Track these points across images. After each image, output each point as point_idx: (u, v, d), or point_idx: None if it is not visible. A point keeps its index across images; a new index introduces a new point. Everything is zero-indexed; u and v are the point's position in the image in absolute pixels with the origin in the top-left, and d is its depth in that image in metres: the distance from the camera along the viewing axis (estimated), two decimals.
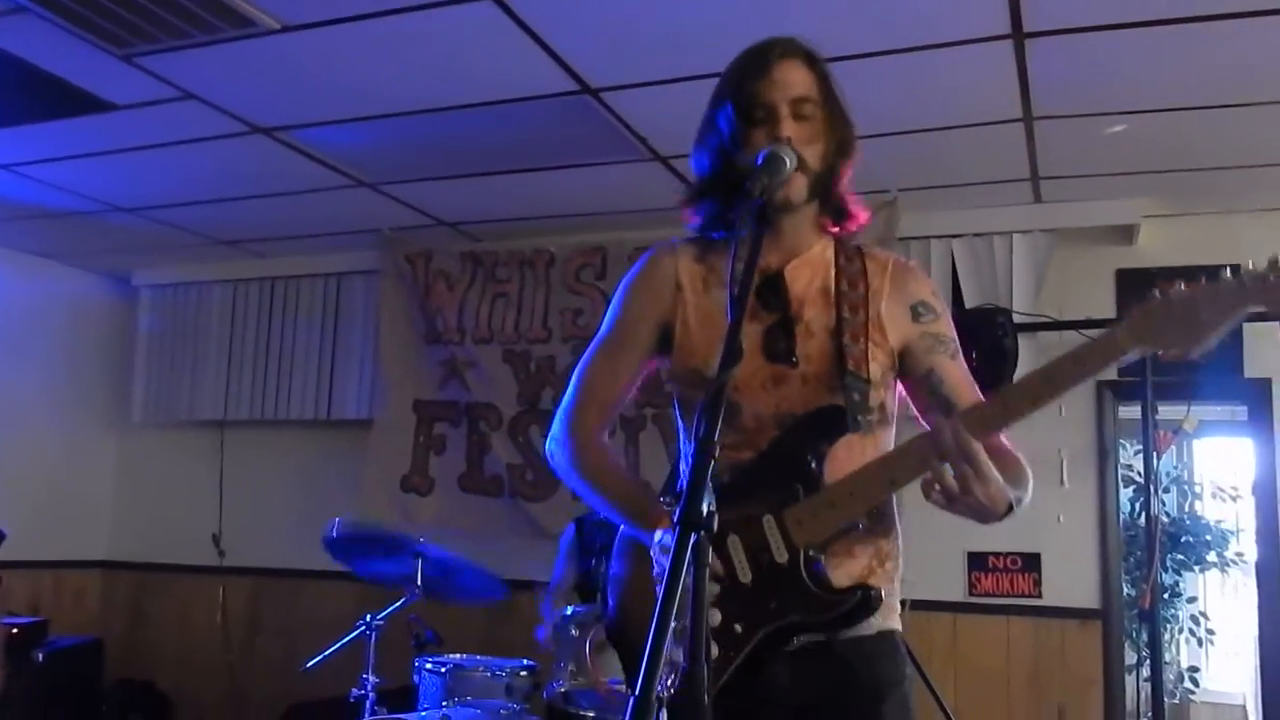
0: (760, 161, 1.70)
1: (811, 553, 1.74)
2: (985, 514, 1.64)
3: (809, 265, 1.90)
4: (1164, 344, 1.62)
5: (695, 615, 1.21)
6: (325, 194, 4.77)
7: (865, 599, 1.72)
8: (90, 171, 4.57)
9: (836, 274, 1.90)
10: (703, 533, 1.23)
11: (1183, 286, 1.62)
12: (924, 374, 1.87)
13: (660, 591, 1.20)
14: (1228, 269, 1.61)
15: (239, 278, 5.99)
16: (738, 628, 1.73)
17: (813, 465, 1.78)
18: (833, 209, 1.91)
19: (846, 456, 1.79)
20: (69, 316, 6.23)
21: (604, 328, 1.99)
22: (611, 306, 2.00)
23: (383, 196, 4.82)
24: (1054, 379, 1.66)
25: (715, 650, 1.71)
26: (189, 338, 6.08)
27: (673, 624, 1.18)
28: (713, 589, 1.70)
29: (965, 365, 1.91)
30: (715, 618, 1.73)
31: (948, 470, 1.61)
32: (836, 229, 1.94)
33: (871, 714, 1.79)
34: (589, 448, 1.94)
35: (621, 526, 1.92)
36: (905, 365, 1.89)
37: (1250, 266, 1.59)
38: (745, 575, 1.75)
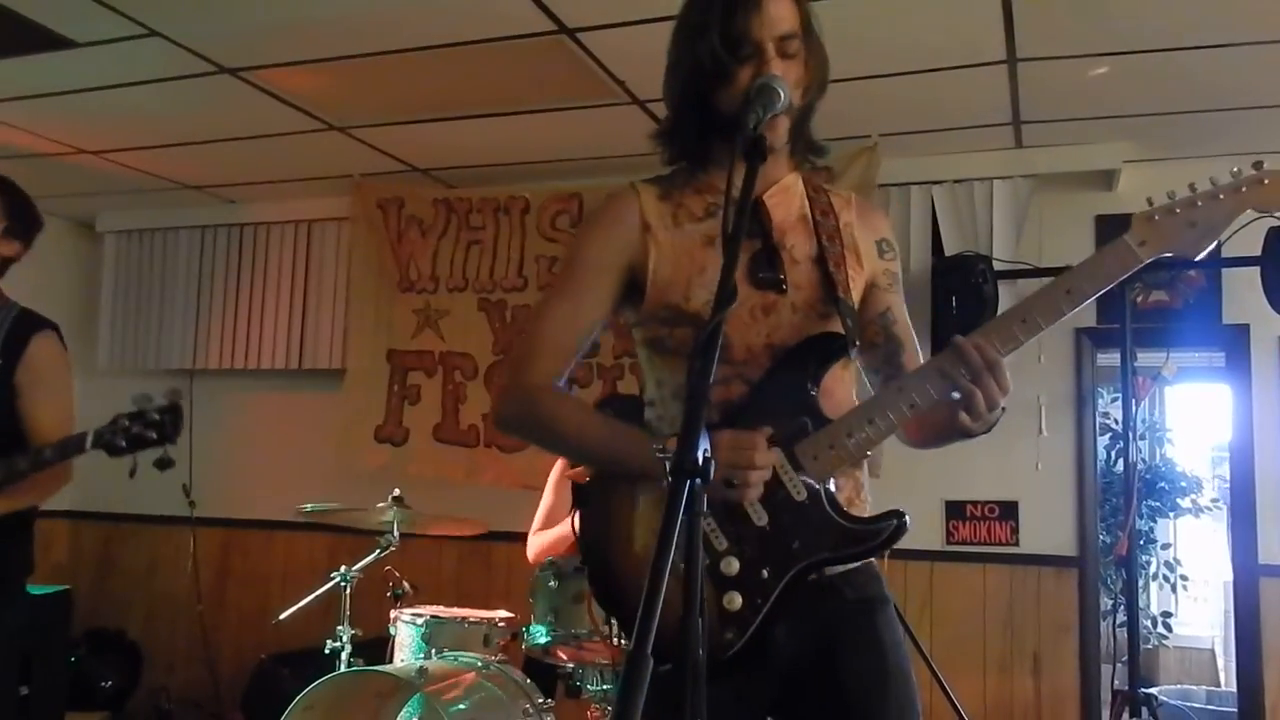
0: (754, 93, 1.64)
1: (831, 487, 1.71)
2: (990, 425, 1.70)
3: (785, 193, 1.88)
4: (1171, 246, 1.66)
5: (690, 566, 1.16)
6: (295, 138, 4.65)
7: (901, 525, 1.69)
8: (50, 111, 4.43)
9: (810, 204, 1.89)
10: (698, 480, 1.18)
11: (1181, 193, 1.67)
12: (881, 312, 1.91)
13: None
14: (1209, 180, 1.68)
15: (207, 224, 5.87)
16: (765, 573, 1.68)
17: (813, 395, 1.74)
18: (804, 145, 1.89)
19: (830, 387, 1.78)
20: (31, 261, 6.04)
21: (561, 274, 1.92)
22: (570, 253, 1.94)
23: (354, 140, 4.71)
24: (1074, 291, 1.67)
25: (740, 600, 1.67)
26: (156, 285, 5.97)
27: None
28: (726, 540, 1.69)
29: None
30: (733, 566, 1.68)
31: (975, 390, 1.63)
32: (805, 164, 1.92)
33: (865, 625, 1.80)
34: (544, 393, 1.84)
35: (588, 473, 1.87)
36: (865, 301, 1.90)
37: (1238, 171, 1.66)
38: (761, 518, 1.69)
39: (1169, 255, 1.67)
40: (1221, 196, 1.65)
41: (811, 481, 1.70)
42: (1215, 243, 1.66)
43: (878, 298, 1.91)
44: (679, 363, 1.80)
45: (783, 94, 1.67)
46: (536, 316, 1.91)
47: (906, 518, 1.69)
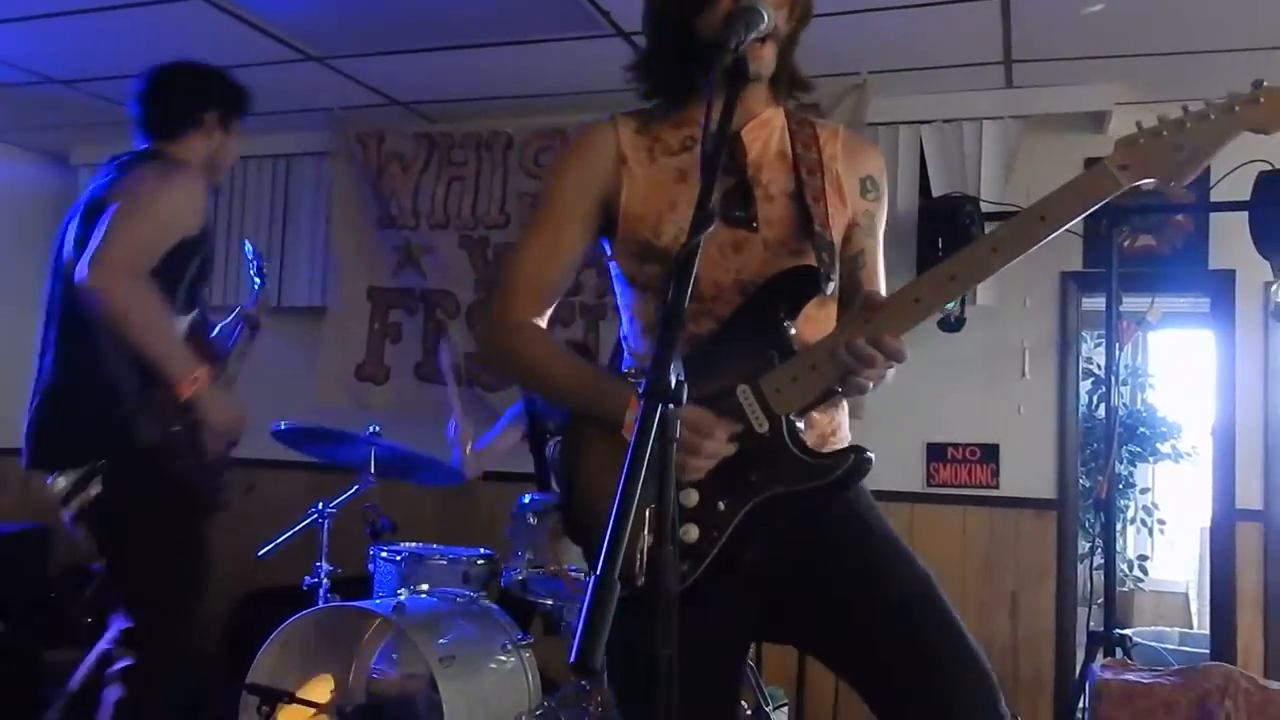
0: (737, 13, 1.59)
1: (793, 419, 1.68)
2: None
3: (764, 128, 1.83)
4: (1155, 170, 1.58)
5: (663, 494, 1.14)
6: (271, 68, 4.54)
7: (860, 461, 1.67)
8: (16, 39, 4.31)
9: (791, 137, 1.84)
10: (671, 405, 1.16)
11: (1169, 115, 1.58)
12: (855, 254, 1.87)
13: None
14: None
15: None
16: (720, 505, 1.67)
17: (786, 329, 1.71)
18: (786, 79, 1.83)
19: (803, 324, 1.74)
20: (4, 197, 5.99)
21: (539, 209, 1.89)
22: (546, 187, 1.91)
23: (332, 72, 4.61)
24: (1049, 216, 1.61)
25: (696, 532, 1.66)
26: None
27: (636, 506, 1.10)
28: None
29: None
30: (692, 498, 1.66)
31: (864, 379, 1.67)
32: (790, 101, 1.88)
33: (838, 504, 1.77)
34: (521, 330, 1.83)
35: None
36: (843, 241, 1.86)
37: (1232, 91, 1.57)
38: None
39: (1151, 180, 1.59)
40: (1213, 116, 1.56)
41: (775, 414, 1.67)
42: (1201, 168, 1.59)
43: (853, 239, 1.88)
44: (648, 298, 1.80)
45: (766, 16, 1.61)
46: (516, 251, 1.90)
47: (869, 455, 1.67)
